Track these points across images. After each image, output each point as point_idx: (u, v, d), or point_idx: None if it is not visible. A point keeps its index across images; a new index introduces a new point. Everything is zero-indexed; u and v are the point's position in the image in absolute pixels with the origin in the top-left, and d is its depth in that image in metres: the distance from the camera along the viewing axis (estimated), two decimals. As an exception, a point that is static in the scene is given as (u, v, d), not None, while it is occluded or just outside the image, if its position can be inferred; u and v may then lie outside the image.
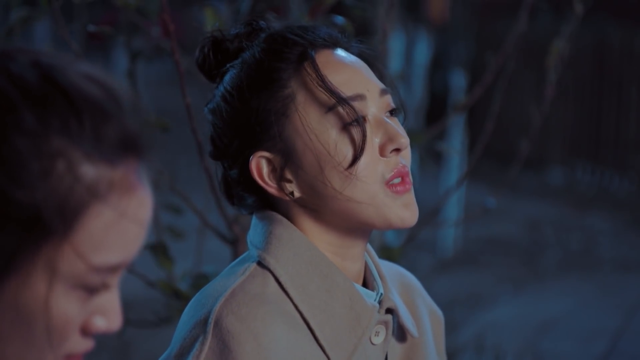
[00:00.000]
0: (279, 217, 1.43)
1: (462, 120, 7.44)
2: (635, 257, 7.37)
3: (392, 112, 1.43)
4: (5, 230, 0.91)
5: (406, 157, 1.42)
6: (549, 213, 8.58)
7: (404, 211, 1.40)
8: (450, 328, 5.16)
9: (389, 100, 1.43)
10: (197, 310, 1.38)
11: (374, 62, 1.48)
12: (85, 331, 0.98)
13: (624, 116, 9.54)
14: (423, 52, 9.39)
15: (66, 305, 0.95)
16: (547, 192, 9.39)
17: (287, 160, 1.40)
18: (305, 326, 1.38)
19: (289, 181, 1.41)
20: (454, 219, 6.90)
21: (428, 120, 8.48)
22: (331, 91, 1.38)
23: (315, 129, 1.38)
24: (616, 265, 7.13)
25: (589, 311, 6.03)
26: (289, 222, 1.42)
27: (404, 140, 1.40)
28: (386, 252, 2.61)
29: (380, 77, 1.46)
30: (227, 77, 1.44)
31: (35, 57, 0.95)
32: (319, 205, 1.40)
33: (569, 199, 9.03)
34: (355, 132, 1.38)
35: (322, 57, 1.41)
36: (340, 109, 1.38)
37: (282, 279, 1.39)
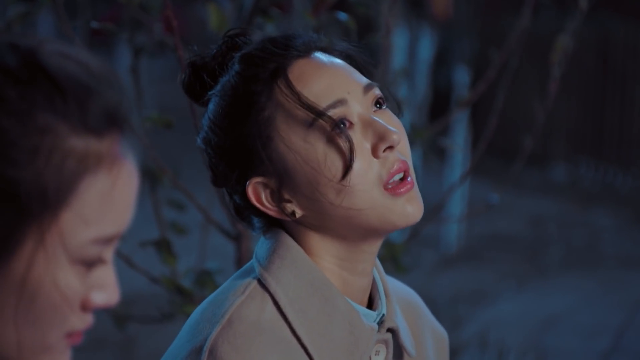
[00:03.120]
0: (285, 235, 1.41)
1: (466, 116, 7.43)
2: (638, 254, 7.36)
3: (381, 104, 1.39)
4: (1, 209, 0.93)
5: (403, 151, 1.38)
6: (553, 209, 8.57)
7: (406, 207, 1.36)
8: (454, 324, 5.16)
9: (375, 92, 1.38)
10: (194, 336, 1.37)
11: (358, 58, 1.43)
12: (85, 307, 1.00)
13: (627, 112, 9.53)
14: (426, 48, 9.38)
15: (68, 281, 0.97)
16: (550, 189, 9.38)
17: (282, 181, 1.38)
18: (302, 351, 1.37)
19: (289, 201, 1.38)
20: (458, 215, 6.90)
21: (431, 117, 8.47)
22: (308, 106, 1.35)
23: (301, 147, 1.35)
24: (619, 262, 7.13)
25: (592, 307, 6.03)
26: (293, 242, 1.40)
27: (396, 136, 1.35)
28: (389, 248, 2.61)
29: (368, 72, 1.42)
30: (210, 107, 1.42)
31: (13, 40, 0.97)
32: (321, 220, 1.38)
33: (572, 196, 9.03)
34: (342, 141, 1.34)
35: (296, 70, 1.37)
36: (321, 122, 1.35)
37: (281, 303, 1.37)
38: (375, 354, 1.42)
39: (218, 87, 1.41)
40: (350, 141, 1.34)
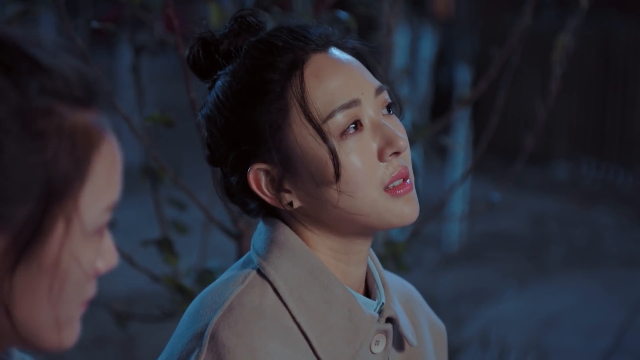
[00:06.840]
0: (282, 225, 1.42)
1: (467, 114, 7.44)
2: (640, 252, 7.37)
3: (389, 108, 1.40)
4: (29, 196, 0.95)
5: (406, 157, 1.40)
6: (554, 208, 8.57)
7: (403, 208, 1.38)
8: (455, 323, 5.17)
9: (385, 97, 1.40)
10: (195, 322, 1.38)
11: (368, 57, 1.44)
12: (94, 275, 1.03)
13: (629, 111, 9.53)
14: (428, 47, 9.38)
15: (88, 255, 1.00)
16: (552, 187, 9.38)
17: (285, 172, 1.38)
18: (302, 338, 1.38)
19: (288, 191, 1.39)
20: (459, 213, 6.90)
21: (433, 115, 8.48)
22: (309, 117, 1.35)
23: (309, 143, 1.36)
24: (621, 261, 7.13)
25: (593, 306, 6.03)
26: (291, 231, 1.41)
27: (403, 142, 1.37)
28: (391, 247, 2.61)
29: (375, 72, 1.43)
30: (219, 84, 1.41)
31: None
32: (317, 215, 1.39)
33: (573, 194, 9.03)
34: (329, 151, 1.35)
35: (314, 64, 1.38)
36: (329, 125, 1.36)
37: (280, 291, 1.38)
38: (375, 344, 1.43)
39: (230, 67, 1.41)
40: (334, 153, 1.35)
